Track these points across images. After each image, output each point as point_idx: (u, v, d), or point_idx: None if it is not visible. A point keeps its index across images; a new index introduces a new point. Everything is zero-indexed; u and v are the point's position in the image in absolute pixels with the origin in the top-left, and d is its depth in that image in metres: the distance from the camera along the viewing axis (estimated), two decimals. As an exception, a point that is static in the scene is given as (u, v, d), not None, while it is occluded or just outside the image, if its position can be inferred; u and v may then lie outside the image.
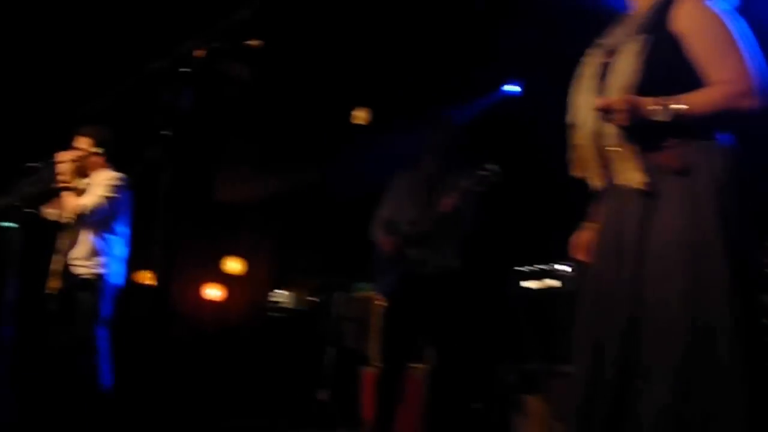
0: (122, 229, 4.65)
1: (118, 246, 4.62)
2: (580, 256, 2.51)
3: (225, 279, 8.10)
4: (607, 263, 2.25)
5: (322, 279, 7.12)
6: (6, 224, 4.54)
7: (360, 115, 6.85)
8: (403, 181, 4.52)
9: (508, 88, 6.40)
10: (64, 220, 4.60)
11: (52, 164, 4.54)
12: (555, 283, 5.05)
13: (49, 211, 4.65)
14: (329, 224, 7.28)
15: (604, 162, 2.28)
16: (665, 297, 2.07)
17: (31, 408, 4.43)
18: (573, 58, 2.49)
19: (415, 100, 6.15)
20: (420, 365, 4.55)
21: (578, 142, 2.36)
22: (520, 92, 6.36)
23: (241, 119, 7.22)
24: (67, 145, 4.65)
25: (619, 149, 2.21)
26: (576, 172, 2.39)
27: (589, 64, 2.40)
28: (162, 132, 2.55)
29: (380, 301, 4.47)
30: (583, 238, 2.53)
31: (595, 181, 2.36)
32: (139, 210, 4.67)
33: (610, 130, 2.21)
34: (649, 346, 2.08)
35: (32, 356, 4.55)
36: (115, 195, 4.56)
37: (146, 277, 5.73)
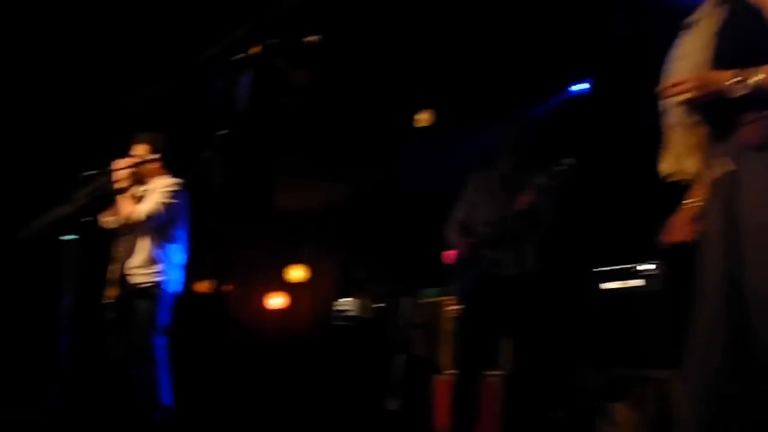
0: (180, 235, 4.56)
1: (176, 253, 4.55)
2: (673, 237, 2.41)
3: (288, 287, 8.05)
4: (708, 263, 2.16)
5: (387, 285, 6.99)
6: (65, 237, 4.48)
7: (423, 118, 6.71)
8: (477, 182, 4.40)
9: (577, 87, 6.20)
10: (121, 228, 4.53)
11: (109, 172, 4.50)
12: (638, 282, 4.87)
13: (108, 219, 4.60)
14: (394, 229, 7.15)
15: (692, 148, 2.22)
16: (762, 279, 1.98)
17: (88, 417, 4.38)
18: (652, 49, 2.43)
19: (481, 101, 6.00)
20: (496, 371, 4.41)
21: (668, 128, 2.28)
22: (588, 89, 6.15)
23: (301, 123, 7.12)
24: (123, 152, 4.59)
25: (697, 134, 2.17)
26: (668, 160, 2.30)
27: (679, 45, 2.30)
28: (218, 132, 2.42)
29: (451, 306, 4.31)
30: (677, 220, 2.42)
31: (688, 167, 2.27)
32: (197, 215, 4.57)
33: (688, 111, 2.16)
34: (751, 331, 1.99)
35: (90, 367, 4.50)
36: (173, 201, 4.48)
37: (206, 286, 5.64)
